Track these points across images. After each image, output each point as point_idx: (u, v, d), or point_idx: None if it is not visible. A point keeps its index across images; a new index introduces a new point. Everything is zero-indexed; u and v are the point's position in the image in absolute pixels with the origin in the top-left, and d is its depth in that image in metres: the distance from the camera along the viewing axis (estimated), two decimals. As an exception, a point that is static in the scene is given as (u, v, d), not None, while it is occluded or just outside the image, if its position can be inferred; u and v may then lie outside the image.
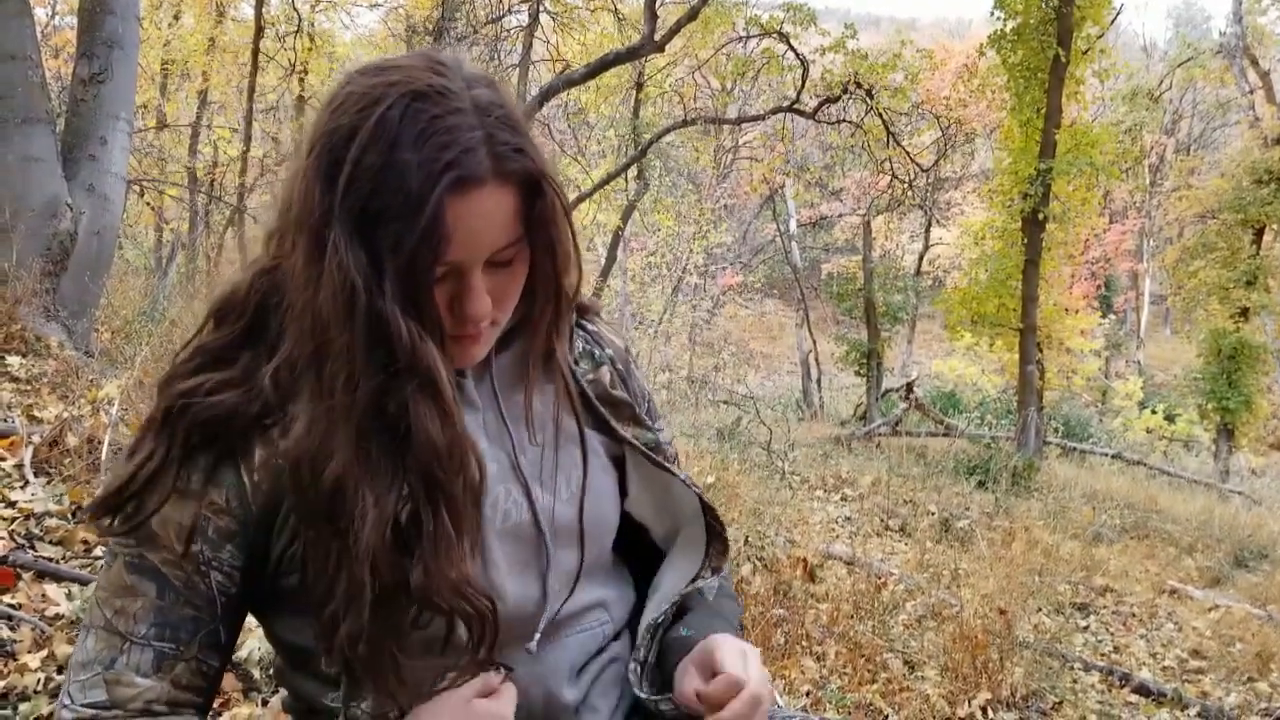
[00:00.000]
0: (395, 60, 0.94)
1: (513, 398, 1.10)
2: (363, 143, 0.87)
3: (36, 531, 2.65)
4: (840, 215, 30.62)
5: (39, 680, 1.97)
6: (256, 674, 2.24)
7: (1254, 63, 21.90)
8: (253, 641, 2.26)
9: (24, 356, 4.21)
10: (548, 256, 1.00)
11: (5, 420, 3.33)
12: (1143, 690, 4.23)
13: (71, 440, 3.14)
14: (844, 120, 15.92)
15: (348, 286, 0.86)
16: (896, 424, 14.90)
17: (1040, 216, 13.64)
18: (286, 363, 0.92)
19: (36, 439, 3.10)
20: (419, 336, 0.88)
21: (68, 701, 0.93)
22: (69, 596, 2.32)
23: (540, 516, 1.06)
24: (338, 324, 0.87)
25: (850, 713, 3.08)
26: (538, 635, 1.06)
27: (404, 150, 0.86)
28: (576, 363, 1.17)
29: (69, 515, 2.78)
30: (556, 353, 1.11)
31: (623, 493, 1.19)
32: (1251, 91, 22.30)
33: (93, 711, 0.91)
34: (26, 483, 2.89)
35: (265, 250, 1.00)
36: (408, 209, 0.86)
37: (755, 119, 18.14)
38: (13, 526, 2.62)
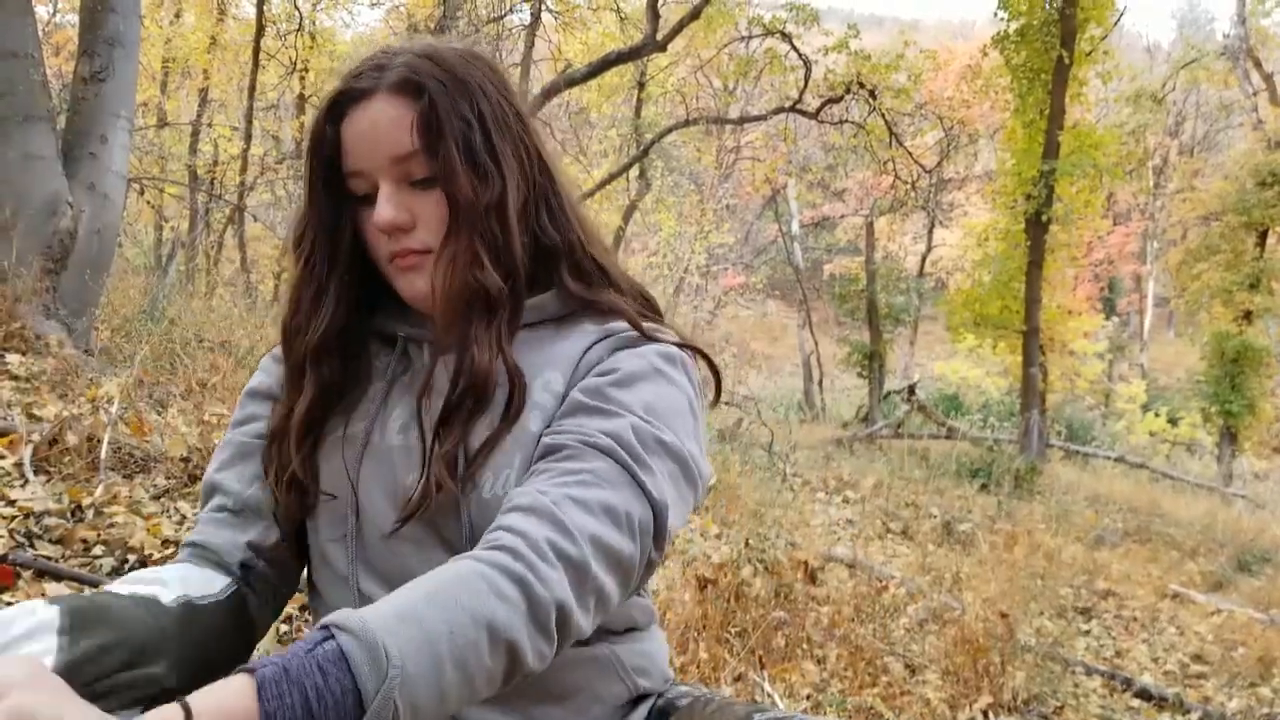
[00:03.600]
0: None
1: (441, 362, 1.04)
2: None
3: (36, 530, 2.64)
4: (843, 216, 30.61)
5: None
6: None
7: (1258, 65, 21.87)
8: (264, 644, 2.24)
9: (24, 354, 4.20)
10: (446, 169, 0.99)
11: (5, 418, 3.32)
12: (1144, 695, 4.21)
13: (71, 439, 3.13)
14: (847, 120, 15.91)
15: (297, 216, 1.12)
16: (898, 426, 14.90)
17: (1043, 218, 13.63)
18: None
19: (36, 437, 3.09)
20: (307, 218, 1.08)
21: None
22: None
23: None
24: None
25: (851, 716, 3.06)
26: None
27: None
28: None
29: (68, 514, 2.77)
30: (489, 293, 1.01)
31: None
32: (1255, 94, 22.27)
33: None
34: (26, 481, 2.88)
35: None
36: (310, 134, 1.05)
37: (757, 119, 18.15)
38: (12, 525, 2.60)
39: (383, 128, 0.99)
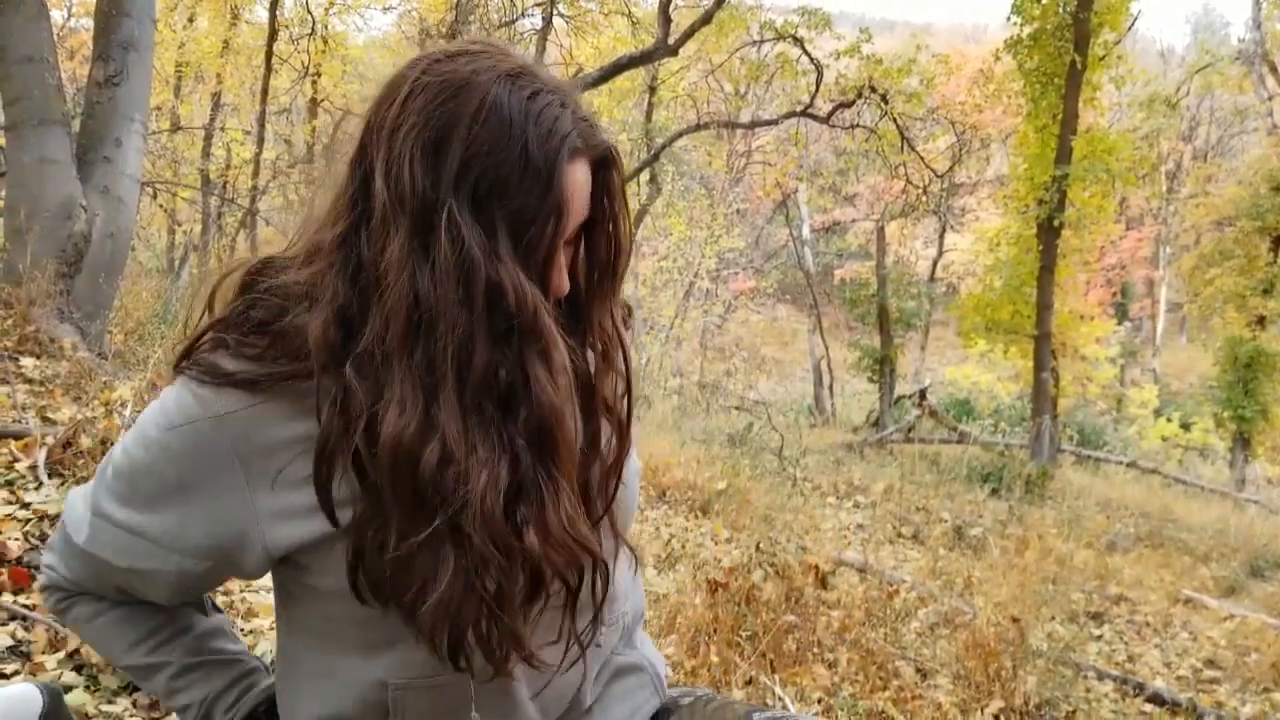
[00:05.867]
0: (460, 48, 0.94)
1: None
2: (471, 122, 0.87)
3: (50, 533, 2.66)
4: (854, 220, 30.58)
5: (54, 680, 1.96)
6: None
7: (1273, 69, 21.76)
8: (264, 644, 2.25)
9: (38, 358, 4.22)
10: (613, 230, 1.00)
11: (19, 421, 3.34)
12: (1157, 700, 4.19)
13: (85, 442, 3.14)
14: (858, 125, 15.89)
15: (466, 259, 0.86)
16: (909, 430, 14.86)
17: (1056, 223, 13.60)
18: (367, 352, 0.89)
19: (50, 440, 3.11)
20: (541, 302, 0.89)
21: None
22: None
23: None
24: (450, 299, 0.86)
25: (862, 721, 3.06)
26: (603, 626, 1.05)
27: (518, 126, 0.88)
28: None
29: (82, 516, 2.78)
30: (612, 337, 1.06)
31: None
32: (1270, 98, 22.19)
33: None
34: (40, 484, 2.89)
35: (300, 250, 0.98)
36: (532, 180, 0.88)
37: (769, 123, 18.13)
38: (27, 528, 2.62)
39: (584, 191, 0.95)
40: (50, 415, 3.54)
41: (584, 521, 0.94)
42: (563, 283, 0.95)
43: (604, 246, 1.00)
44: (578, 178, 0.92)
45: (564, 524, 0.90)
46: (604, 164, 0.97)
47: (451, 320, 0.86)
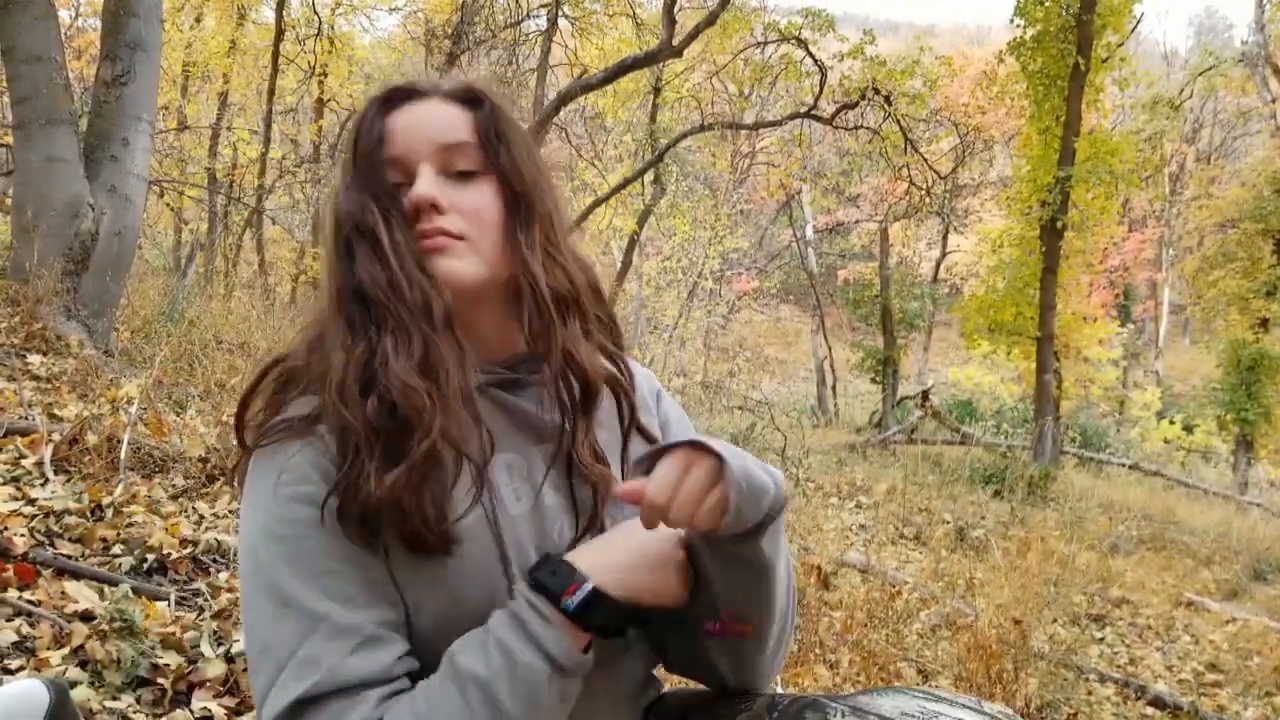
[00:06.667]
0: None
1: (519, 392, 1.07)
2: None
3: (56, 529, 2.66)
4: (857, 221, 30.55)
5: (58, 676, 1.97)
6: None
7: (1276, 72, 21.76)
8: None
9: (45, 355, 4.24)
10: (512, 177, 1.05)
11: (26, 418, 3.36)
12: (1158, 703, 4.19)
13: (91, 439, 3.16)
14: (862, 126, 15.88)
15: (334, 202, 1.03)
16: (912, 431, 14.87)
17: (1059, 224, 13.60)
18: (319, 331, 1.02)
19: (57, 437, 3.12)
20: (360, 204, 1.00)
21: None
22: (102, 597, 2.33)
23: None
24: (329, 242, 1.03)
25: None
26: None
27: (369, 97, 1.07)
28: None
29: (88, 513, 2.80)
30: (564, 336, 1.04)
31: None
32: (1273, 100, 22.19)
33: None
34: (46, 480, 2.91)
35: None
36: (358, 122, 1.05)
37: (772, 124, 18.13)
38: (33, 524, 2.63)
39: (434, 119, 1.05)
40: (57, 412, 3.56)
41: (429, 372, 0.95)
42: (423, 189, 1.01)
43: (509, 204, 1.05)
44: (412, 111, 1.05)
45: (398, 368, 0.94)
46: (474, 103, 1.07)
47: (327, 254, 1.02)
